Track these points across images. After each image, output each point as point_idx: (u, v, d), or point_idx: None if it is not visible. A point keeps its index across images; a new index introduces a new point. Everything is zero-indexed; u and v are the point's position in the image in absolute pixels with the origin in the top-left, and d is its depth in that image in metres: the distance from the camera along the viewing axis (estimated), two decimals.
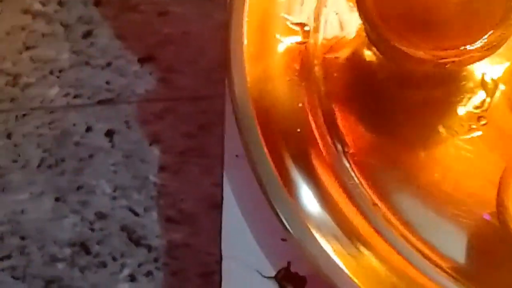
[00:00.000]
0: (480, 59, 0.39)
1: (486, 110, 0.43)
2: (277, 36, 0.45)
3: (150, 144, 0.55)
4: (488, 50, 0.39)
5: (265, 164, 0.41)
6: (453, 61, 0.38)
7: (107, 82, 0.57)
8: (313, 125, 0.43)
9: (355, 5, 0.40)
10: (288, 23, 0.45)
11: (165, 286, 0.51)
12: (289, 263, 0.41)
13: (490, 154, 0.42)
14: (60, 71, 0.58)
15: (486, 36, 0.38)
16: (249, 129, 0.42)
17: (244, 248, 0.42)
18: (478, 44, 0.38)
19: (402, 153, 0.42)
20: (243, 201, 0.43)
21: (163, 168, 0.54)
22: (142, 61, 0.57)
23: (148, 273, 0.52)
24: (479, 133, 0.43)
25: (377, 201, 0.41)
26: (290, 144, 0.42)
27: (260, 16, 0.45)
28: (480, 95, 0.43)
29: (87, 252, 0.53)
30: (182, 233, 0.52)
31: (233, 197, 0.43)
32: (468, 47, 0.38)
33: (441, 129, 0.42)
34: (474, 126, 0.43)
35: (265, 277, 0.41)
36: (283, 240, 0.41)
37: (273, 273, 0.41)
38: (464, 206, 0.41)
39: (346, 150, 0.42)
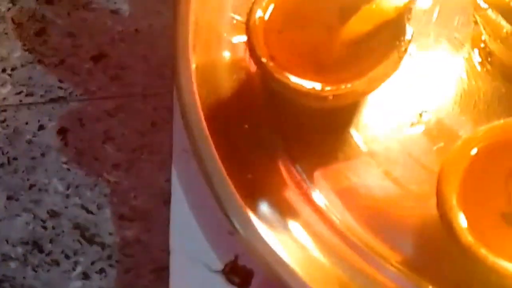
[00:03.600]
0: (363, 94, 0.41)
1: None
2: (224, 34, 0.45)
3: (103, 142, 0.55)
4: (371, 86, 0.40)
5: (211, 160, 0.42)
6: (336, 96, 0.40)
7: (60, 80, 0.57)
8: (259, 122, 0.44)
9: None
10: (235, 21, 0.46)
11: (118, 283, 0.51)
12: (236, 256, 0.41)
13: (431, 147, 0.43)
14: (12, 69, 0.58)
15: (369, 74, 0.40)
16: (195, 124, 0.42)
17: (192, 242, 0.42)
18: (362, 80, 0.40)
19: (344, 147, 0.43)
20: (191, 195, 0.44)
21: (116, 166, 0.54)
22: (94, 59, 0.57)
23: (101, 271, 0.52)
24: (422, 127, 0.44)
25: (320, 194, 0.42)
26: (236, 140, 0.43)
27: (207, 14, 0.46)
28: None
29: (40, 250, 0.53)
30: (134, 230, 0.52)
31: (181, 192, 0.44)
32: (350, 84, 0.40)
33: None
34: (416, 121, 0.44)
35: (213, 271, 0.41)
36: (230, 234, 0.41)
37: (220, 267, 0.42)
38: (408, 200, 0.42)
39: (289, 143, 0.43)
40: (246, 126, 0.44)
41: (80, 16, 0.59)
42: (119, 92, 0.56)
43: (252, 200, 0.41)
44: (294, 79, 0.41)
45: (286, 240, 0.40)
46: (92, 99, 0.56)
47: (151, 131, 0.55)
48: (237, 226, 0.40)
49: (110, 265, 0.52)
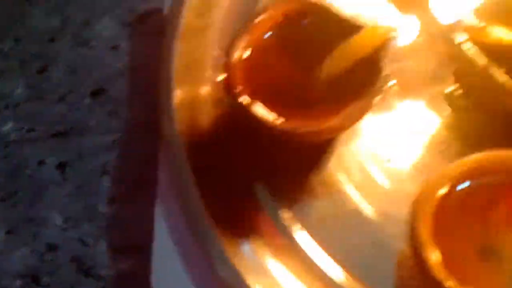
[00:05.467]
0: (339, 131, 0.42)
1: None
2: (207, 73, 0.47)
3: (101, 176, 0.56)
4: (347, 123, 0.41)
5: (193, 202, 0.43)
6: (312, 132, 0.41)
7: (61, 116, 0.58)
8: (239, 158, 0.45)
9: None
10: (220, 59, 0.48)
11: None
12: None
13: (409, 181, 0.44)
14: (15, 106, 0.60)
15: (345, 111, 0.41)
16: (176, 161, 0.44)
17: (174, 282, 0.43)
18: (337, 117, 0.41)
19: (323, 183, 0.44)
20: (175, 234, 0.45)
21: (113, 199, 0.55)
22: (93, 94, 0.59)
23: None
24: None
25: (301, 231, 0.43)
26: (218, 177, 0.44)
27: (192, 51, 0.47)
28: None
29: (37, 283, 0.54)
30: (129, 263, 0.53)
31: (164, 229, 0.45)
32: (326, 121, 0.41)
33: None
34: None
35: None
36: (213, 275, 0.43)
37: None
38: (384, 235, 0.42)
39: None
40: (227, 162, 0.45)
41: (81, 53, 0.61)
42: (117, 127, 0.58)
43: (233, 241, 0.42)
44: (270, 117, 0.42)
45: (267, 282, 0.41)
46: (91, 134, 0.58)
47: (148, 165, 0.56)
48: (218, 270, 0.41)
49: None
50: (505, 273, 0.39)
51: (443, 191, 0.40)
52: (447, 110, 0.47)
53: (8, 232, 0.55)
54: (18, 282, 0.54)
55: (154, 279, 0.43)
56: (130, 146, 0.57)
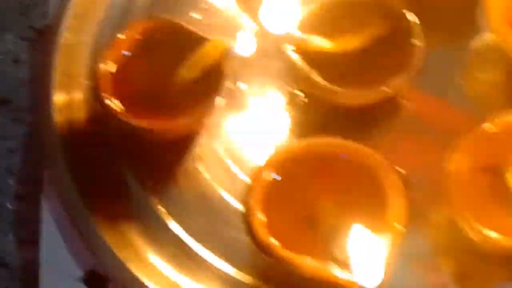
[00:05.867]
0: (191, 129, 0.51)
1: None
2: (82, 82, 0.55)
3: (8, 176, 0.61)
4: (196, 123, 0.50)
5: (71, 194, 0.51)
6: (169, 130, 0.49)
7: None
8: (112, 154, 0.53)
9: None
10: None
11: None
12: (94, 266, 0.50)
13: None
14: None
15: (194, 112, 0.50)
16: (56, 162, 0.52)
17: (59, 255, 0.51)
18: (186, 118, 0.49)
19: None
20: (59, 225, 0.53)
21: (19, 197, 0.61)
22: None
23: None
24: None
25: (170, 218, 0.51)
26: (93, 172, 0.52)
27: (67, 62, 0.55)
28: None
29: None
30: (34, 253, 0.57)
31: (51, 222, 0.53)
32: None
33: None
34: None
35: (75, 279, 0.51)
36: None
37: (81, 275, 0.51)
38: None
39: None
40: (100, 157, 0.53)
41: None
42: (21, 132, 0.63)
43: (111, 228, 0.50)
44: (131, 119, 0.50)
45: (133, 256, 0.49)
46: None
47: None
48: (88, 244, 0.49)
49: (13, 283, 0.58)
50: (323, 238, 0.48)
51: (272, 171, 0.48)
52: (290, 110, 0.55)
53: None
54: None
55: (42, 255, 0.51)
56: (31, 148, 0.62)
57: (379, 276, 0.45)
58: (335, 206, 0.47)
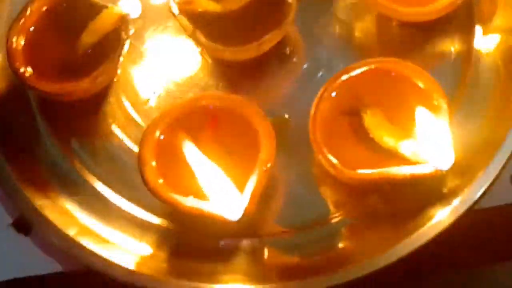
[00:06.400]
0: (88, 92, 0.57)
1: None
2: None
3: None
4: (94, 85, 0.57)
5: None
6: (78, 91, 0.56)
7: None
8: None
9: None
10: None
11: None
12: (20, 214, 0.59)
13: None
14: None
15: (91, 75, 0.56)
16: None
17: None
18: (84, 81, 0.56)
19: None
20: None
21: None
22: None
23: None
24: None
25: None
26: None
27: None
28: None
29: None
30: None
31: None
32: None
33: None
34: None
35: (7, 224, 0.59)
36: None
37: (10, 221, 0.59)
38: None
39: None
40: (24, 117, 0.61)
41: None
42: None
43: (23, 173, 0.58)
44: (42, 84, 0.57)
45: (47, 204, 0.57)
46: None
47: None
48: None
49: None
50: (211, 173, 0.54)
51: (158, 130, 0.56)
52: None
53: None
54: None
55: None
56: None
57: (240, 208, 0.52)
58: (216, 150, 0.55)
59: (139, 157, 0.54)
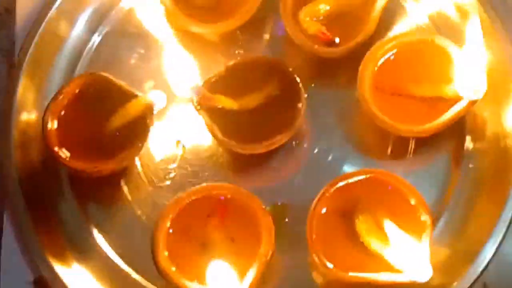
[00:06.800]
0: (111, 172, 0.63)
1: None
2: None
3: None
4: (123, 163, 0.63)
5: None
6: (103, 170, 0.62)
7: None
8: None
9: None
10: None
11: None
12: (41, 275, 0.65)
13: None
14: None
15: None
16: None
17: (16, 262, 0.66)
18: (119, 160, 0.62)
19: None
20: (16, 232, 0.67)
21: None
22: None
23: None
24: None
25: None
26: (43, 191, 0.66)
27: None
28: None
29: None
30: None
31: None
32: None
33: None
34: None
35: (28, 282, 0.65)
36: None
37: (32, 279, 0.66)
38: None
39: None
40: (52, 188, 0.67)
41: None
42: None
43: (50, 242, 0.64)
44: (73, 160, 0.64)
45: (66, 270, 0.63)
46: None
47: None
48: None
49: None
50: (210, 265, 0.61)
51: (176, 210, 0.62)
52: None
53: None
54: None
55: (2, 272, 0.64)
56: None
57: None
58: (221, 237, 0.61)
59: (153, 248, 0.60)
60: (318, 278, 0.62)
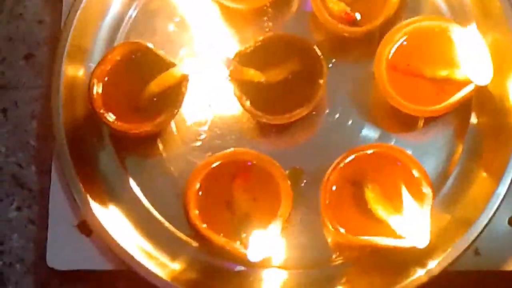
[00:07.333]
0: (148, 133, 0.68)
1: None
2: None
3: (31, 119, 0.73)
4: (159, 127, 0.68)
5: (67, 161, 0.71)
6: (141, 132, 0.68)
7: (2, 73, 0.74)
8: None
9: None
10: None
11: (38, 212, 0.70)
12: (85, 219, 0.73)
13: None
14: None
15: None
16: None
17: (62, 208, 0.74)
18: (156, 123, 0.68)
19: None
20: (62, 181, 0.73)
21: (38, 136, 0.72)
22: (25, 57, 0.74)
23: (29, 206, 0.71)
24: None
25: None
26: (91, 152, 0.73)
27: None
28: None
29: None
30: (49, 182, 0.69)
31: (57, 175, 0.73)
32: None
33: None
34: None
35: (72, 225, 0.74)
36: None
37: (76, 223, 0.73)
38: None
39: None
40: (95, 142, 0.75)
41: (16, 24, 0.76)
42: (42, 84, 0.73)
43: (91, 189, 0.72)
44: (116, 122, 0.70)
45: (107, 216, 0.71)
46: (24, 88, 0.74)
47: None
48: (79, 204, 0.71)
49: (35, 202, 0.71)
50: (235, 223, 0.67)
51: (205, 171, 0.69)
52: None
53: None
54: None
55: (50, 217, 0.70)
56: (49, 98, 0.69)
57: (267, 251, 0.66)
58: (245, 196, 0.68)
59: (184, 205, 0.67)
60: (328, 236, 0.70)
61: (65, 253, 0.69)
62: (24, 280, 0.69)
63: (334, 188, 0.65)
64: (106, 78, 0.68)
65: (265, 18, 0.73)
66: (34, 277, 0.69)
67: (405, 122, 0.70)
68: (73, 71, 0.72)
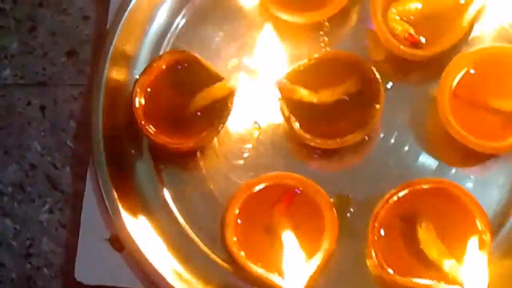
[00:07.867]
0: (189, 150, 0.65)
1: None
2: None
3: (69, 118, 0.71)
4: (202, 142, 0.65)
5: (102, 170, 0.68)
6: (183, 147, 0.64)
7: (43, 68, 0.72)
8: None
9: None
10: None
11: (70, 216, 0.69)
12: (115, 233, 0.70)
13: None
14: (11, 57, 0.73)
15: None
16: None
17: (94, 220, 0.70)
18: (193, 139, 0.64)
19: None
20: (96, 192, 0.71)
21: (75, 136, 0.71)
22: (67, 54, 0.73)
23: (61, 209, 0.69)
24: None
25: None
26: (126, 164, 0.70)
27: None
28: None
29: (23, 190, 0.70)
30: (83, 185, 0.68)
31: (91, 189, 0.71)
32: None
33: None
34: None
35: (104, 239, 0.70)
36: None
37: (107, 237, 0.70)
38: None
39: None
40: (132, 151, 0.71)
41: (61, 19, 0.74)
42: (83, 82, 0.71)
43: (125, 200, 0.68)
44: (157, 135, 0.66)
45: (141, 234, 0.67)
46: (64, 85, 0.72)
47: None
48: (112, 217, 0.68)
49: (67, 205, 0.69)
50: (274, 252, 0.64)
51: (247, 194, 0.65)
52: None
53: (4, 153, 0.71)
54: (10, 189, 0.71)
55: (82, 229, 0.67)
56: (89, 98, 0.68)
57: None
58: (285, 223, 0.64)
59: (222, 231, 0.64)
60: (373, 271, 0.65)
61: (94, 267, 0.66)
62: (51, 286, 0.67)
63: (384, 223, 0.60)
64: (149, 89, 0.64)
65: (321, 33, 0.68)
66: (61, 283, 0.67)
67: (466, 154, 0.64)
68: (116, 74, 0.69)
